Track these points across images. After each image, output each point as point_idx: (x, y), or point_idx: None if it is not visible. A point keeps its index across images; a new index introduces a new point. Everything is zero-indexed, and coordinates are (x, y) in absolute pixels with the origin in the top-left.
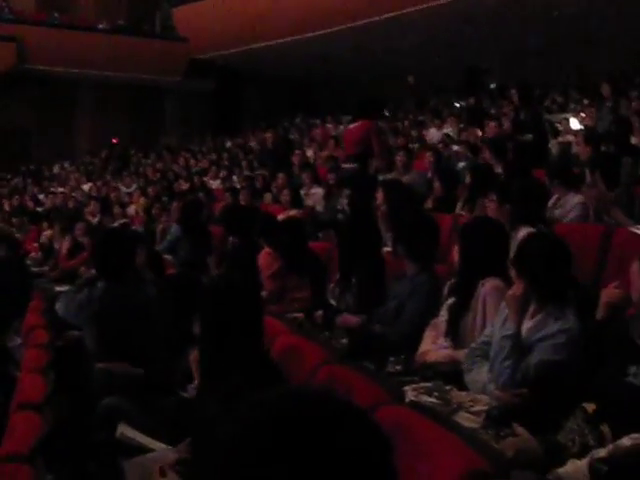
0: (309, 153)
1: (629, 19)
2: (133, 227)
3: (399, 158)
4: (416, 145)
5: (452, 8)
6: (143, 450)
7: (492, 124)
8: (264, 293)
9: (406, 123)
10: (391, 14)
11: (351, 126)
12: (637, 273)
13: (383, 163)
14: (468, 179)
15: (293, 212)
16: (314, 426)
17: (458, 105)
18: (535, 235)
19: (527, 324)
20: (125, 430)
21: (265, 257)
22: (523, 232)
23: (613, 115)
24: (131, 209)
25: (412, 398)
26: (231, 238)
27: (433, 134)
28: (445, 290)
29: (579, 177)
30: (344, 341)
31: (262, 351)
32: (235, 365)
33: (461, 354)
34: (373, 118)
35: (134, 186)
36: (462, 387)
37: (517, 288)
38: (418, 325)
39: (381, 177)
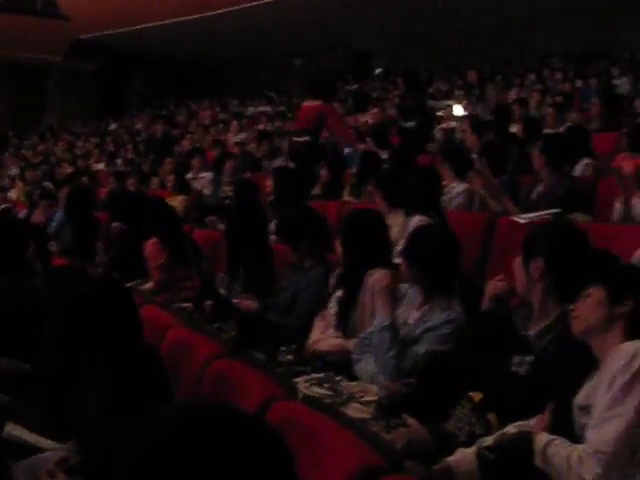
0: (196, 136)
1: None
2: (16, 213)
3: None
4: None
5: None
6: (32, 450)
7: (374, 110)
8: (151, 284)
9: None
10: None
11: (308, 103)
12: (519, 266)
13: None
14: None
15: (180, 198)
16: (213, 439)
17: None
18: (425, 226)
19: (415, 315)
20: (13, 429)
21: (151, 247)
22: (415, 221)
23: (496, 103)
24: (12, 193)
25: (304, 390)
26: (115, 224)
27: None
28: (332, 281)
29: (468, 164)
30: (233, 332)
31: (142, 348)
32: (112, 364)
33: (351, 344)
34: (327, 99)
35: (14, 170)
36: (353, 377)
37: (384, 279)
38: (312, 316)
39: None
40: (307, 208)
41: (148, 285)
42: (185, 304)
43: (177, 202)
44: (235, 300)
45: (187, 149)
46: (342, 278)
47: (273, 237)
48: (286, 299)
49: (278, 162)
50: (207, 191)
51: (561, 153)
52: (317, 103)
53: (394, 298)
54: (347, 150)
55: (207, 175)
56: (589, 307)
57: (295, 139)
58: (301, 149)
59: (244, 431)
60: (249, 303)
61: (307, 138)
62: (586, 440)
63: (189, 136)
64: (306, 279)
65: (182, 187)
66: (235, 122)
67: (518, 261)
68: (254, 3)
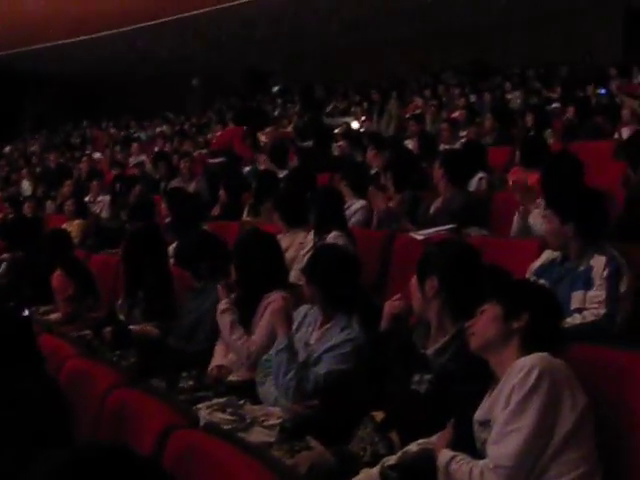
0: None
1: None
2: None
3: (183, 164)
4: (204, 150)
5: (233, 12)
6: None
7: (268, 129)
8: (58, 315)
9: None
10: (174, 17)
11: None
12: (415, 285)
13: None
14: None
15: (76, 222)
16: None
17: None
18: (326, 244)
19: (315, 334)
20: None
21: (58, 279)
22: (332, 237)
23: (395, 122)
24: None
25: (206, 417)
26: (8, 254)
27: None
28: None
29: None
30: (133, 360)
31: (42, 380)
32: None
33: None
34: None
35: None
36: (257, 400)
37: (278, 301)
38: (213, 341)
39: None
40: (205, 232)
41: (55, 316)
42: (85, 332)
43: (74, 227)
44: (134, 327)
45: (85, 171)
46: (238, 301)
47: (172, 260)
48: (188, 324)
49: (176, 183)
50: (105, 214)
51: (460, 168)
52: (235, 127)
53: (290, 319)
54: (246, 169)
55: (105, 198)
56: (485, 323)
57: (211, 161)
58: (216, 170)
59: (137, 475)
60: (149, 329)
61: (221, 159)
62: (487, 455)
63: (85, 159)
64: (207, 303)
65: (81, 211)
66: (135, 144)
67: (414, 280)
68: (149, 23)
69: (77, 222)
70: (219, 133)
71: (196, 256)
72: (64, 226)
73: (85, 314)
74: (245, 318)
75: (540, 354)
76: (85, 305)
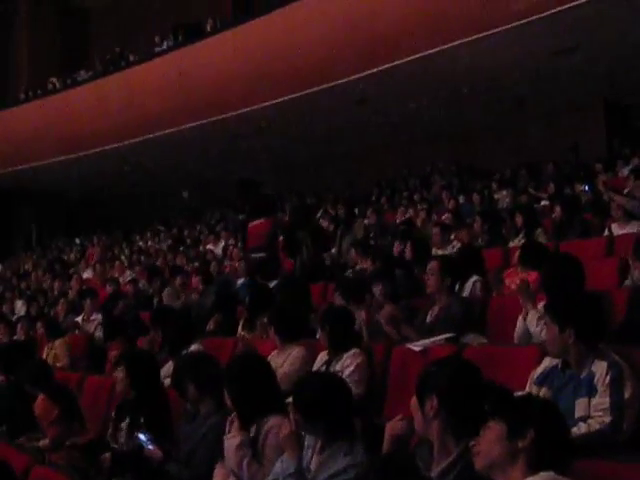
0: (86, 275)
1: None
2: None
3: (176, 280)
4: (196, 264)
5: (219, 125)
6: None
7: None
8: (46, 441)
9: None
10: (163, 132)
11: (255, 222)
12: (415, 406)
13: None
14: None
15: (58, 342)
16: None
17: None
18: (310, 374)
19: (315, 459)
20: None
21: (41, 404)
22: (351, 353)
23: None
24: None
25: None
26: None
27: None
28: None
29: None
30: None
31: None
32: None
33: None
34: (272, 215)
35: None
36: None
37: (287, 426)
38: (212, 465)
39: None
40: (196, 352)
41: (43, 442)
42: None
43: (58, 348)
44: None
45: (75, 290)
46: (243, 425)
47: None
48: (185, 449)
49: (167, 298)
50: (99, 333)
51: (457, 274)
52: (261, 221)
53: (299, 444)
54: (240, 281)
55: (98, 317)
56: (490, 442)
57: (253, 255)
58: (258, 265)
59: None
60: (154, 451)
61: (262, 254)
62: None
63: (75, 277)
64: (203, 429)
65: (53, 331)
66: (126, 259)
67: (414, 401)
68: (137, 139)
69: (58, 342)
70: (251, 226)
71: (185, 378)
72: (47, 348)
73: (73, 438)
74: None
75: (547, 474)
76: (72, 429)
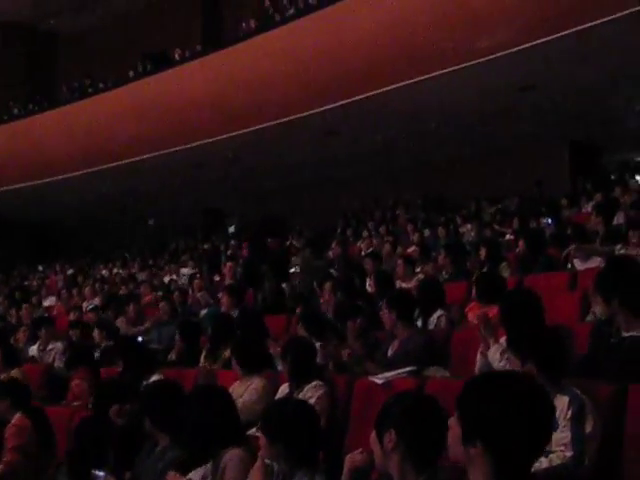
0: (47, 303)
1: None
2: None
3: (131, 307)
4: (159, 293)
5: (189, 154)
6: None
7: (229, 265)
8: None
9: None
10: (128, 160)
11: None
12: (375, 440)
13: None
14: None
15: (13, 372)
16: None
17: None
18: (278, 402)
19: None
20: None
21: (12, 429)
22: (313, 384)
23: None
24: None
25: None
26: None
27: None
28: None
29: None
30: None
31: None
32: None
33: None
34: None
35: None
36: None
37: (259, 458)
38: None
39: None
40: (156, 385)
41: None
42: None
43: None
44: None
45: (26, 319)
46: (191, 459)
47: None
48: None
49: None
50: (59, 363)
51: (411, 308)
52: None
53: (267, 475)
54: (203, 312)
55: (57, 345)
56: (452, 439)
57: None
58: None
59: None
60: None
61: None
62: None
63: (25, 306)
64: (162, 462)
65: (10, 360)
66: (89, 287)
67: (373, 435)
68: (101, 167)
69: (14, 371)
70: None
71: (144, 412)
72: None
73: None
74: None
75: None
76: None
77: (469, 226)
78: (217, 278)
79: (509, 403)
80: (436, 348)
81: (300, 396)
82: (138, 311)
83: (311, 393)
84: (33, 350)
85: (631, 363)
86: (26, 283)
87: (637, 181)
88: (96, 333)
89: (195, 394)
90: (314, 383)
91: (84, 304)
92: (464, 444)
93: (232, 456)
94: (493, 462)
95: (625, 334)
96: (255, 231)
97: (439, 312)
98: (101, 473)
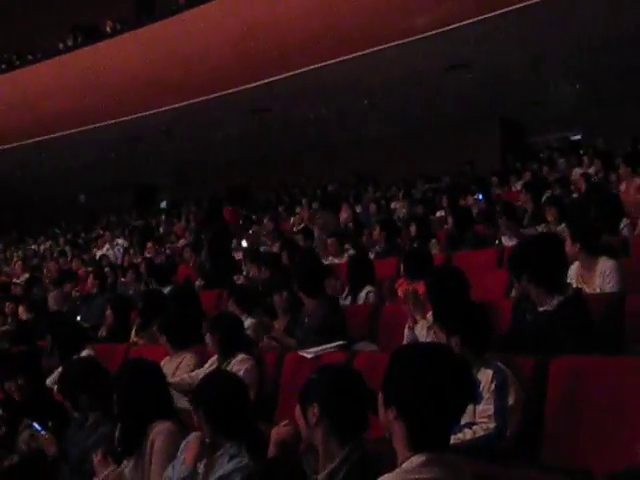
0: None
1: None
2: None
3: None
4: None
5: (118, 129)
6: None
7: (150, 245)
8: None
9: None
10: (58, 134)
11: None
12: (299, 414)
13: None
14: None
15: None
16: None
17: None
18: (212, 371)
19: (204, 462)
20: None
21: None
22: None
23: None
24: None
25: None
26: None
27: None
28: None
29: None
30: None
31: None
32: None
33: None
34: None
35: None
36: None
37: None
38: None
39: None
40: (85, 360)
41: None
42: None
43: None
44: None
45: None
46: (122, 434)
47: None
48: (74, 455)
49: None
50: None
51: (314, 280)
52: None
53: (201, 450)
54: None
55: None
56: (380, 406)
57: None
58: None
59: None
60: (50, 440)
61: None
62: None
63: None
64: (93, 438)
65: None
66: (18, 262)
67: (298, 409)
68: (31, 140)
69: None
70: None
71: (75, 387)
72: None
73: None
74: (130, 450)
75: (417, 458)
76: None
77: (401, 203)
78: (147, 254)
79: (421, 371)
80: (336, 320)
81: (228, 369)
82: (70, 288)
83: (238, 366)
84: None
85: (544, 337)
86: None
87: (564, 161)
88: (21, 309)
89: (125, 369)
90: (240, 356)
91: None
92: (384, 408)
93: (161, 429)
94: (406, 426)
95: (540, 309)
96: (212, 199)
97: (368, 288)
98: (38, 426)
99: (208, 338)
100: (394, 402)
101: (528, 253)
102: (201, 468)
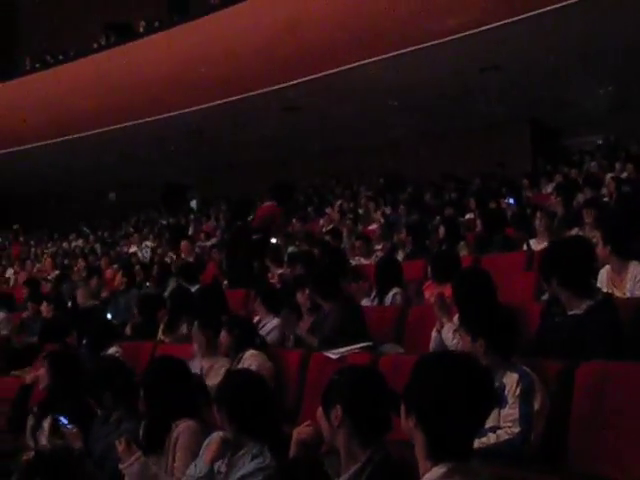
0: (8, 274)
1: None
2: None
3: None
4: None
5: (149, 128)
6: None
7: (185, 243)
8: None
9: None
10: (89, 132)
11: (265, 205)
12: (321, 415)
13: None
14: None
15: None
16: None
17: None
18: (235, 370)
19: (225, 462)
20: None
21: None
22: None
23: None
24: None
25: None
26: None
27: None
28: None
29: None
30: None
31: None
32: None
33: None
34: (281, 203)
35: None
36: None
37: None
38: None
39: None
40: (110, 358)
41: None
42: None
43: None
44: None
45: None
46: (147, 431)
47: None
48: (98, 449)
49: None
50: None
51: (329, 283)
52: (268, 204)
53: (223, 450)
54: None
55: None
56: (402, 417)
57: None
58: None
59: None
60: (76, 434)
61: (260, 235)
62: None
63: None
64: (116, 434)
65: None
66: (49, 259)
67: (320, 410)
68: (60, 139)
69: None
70: (259, 207)
71: (100, 385)
72: None
73: None
74: (154, 447)
75: (440, 468)
76: None
77: (431, 205)
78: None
79: (439, 380)
80: (355, 321)
81: (240, 365)
82: (97, 284)
83: (249, 360)
84: None
85: (572, 341)
86: None
87: (596, 164)
88: (44, 306)
89: (153, 367)
90: (250, 351)
91: (50, 276)
92: (406, 416)
93: (185, 427)
94: (426, 435)
95: (569, 313)
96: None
97: (395, 289)
98: (64, 419)
99: (223, 335)
100: (413, 410)
101: (559, 256)
102: (222, 467)
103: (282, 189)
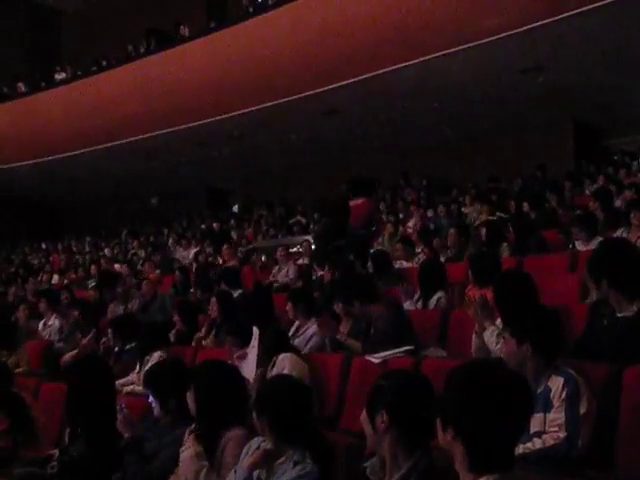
0: (53, 280)
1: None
2: None
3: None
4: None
5: (193, 133)
6: None
7: (226, 248)
8: None
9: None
10: (131, 138)
11: (357, 202)
12: (365, 421)
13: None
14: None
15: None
16: None
17: (203, 227)
18: (277, 375)
19: (265, 469)
20: None
21: None
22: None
23: None
24: None
25: None
26: None
27: (184, 256)
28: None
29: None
30: None
31: None
32: None
33: None
34: (371, 197)
35: None
36: None
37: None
38: (166, 475)
39: None
40: (174, 360)
41: None
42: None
43: (22, 353)
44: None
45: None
46: (198, 435)
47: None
48: (149, 446)
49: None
50: (56, 337)
51: (366, 288)
52: (362, 200)
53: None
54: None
55: (54, 322)
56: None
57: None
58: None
59: None
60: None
61: (364, 231)
62: None
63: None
64: (168, 438)
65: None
66: (92, 265)
67: (364, 415)
68: (103, 145)
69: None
70: (352, 205)
71: (167, 389)
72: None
73: (20, 452)
74: (210, 453)
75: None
76: (20, 441)
77: (472, 207)
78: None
79: (476, 390)
80: (403, 326)
81: (274, 369)
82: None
83: (282, 363)
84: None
85: (623, 344)
86: (30, 261)
87: (637, 165)
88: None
89: (206, 372)
90: (282, 355)
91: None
92: (442, 429)
93: (232, 435)
94: (465, 448)
95: (618, 315)
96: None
97: (439, 293)
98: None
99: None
100: (451, 423)
101: (609, 257)
102: (263, 474)
103: (368, 183)
